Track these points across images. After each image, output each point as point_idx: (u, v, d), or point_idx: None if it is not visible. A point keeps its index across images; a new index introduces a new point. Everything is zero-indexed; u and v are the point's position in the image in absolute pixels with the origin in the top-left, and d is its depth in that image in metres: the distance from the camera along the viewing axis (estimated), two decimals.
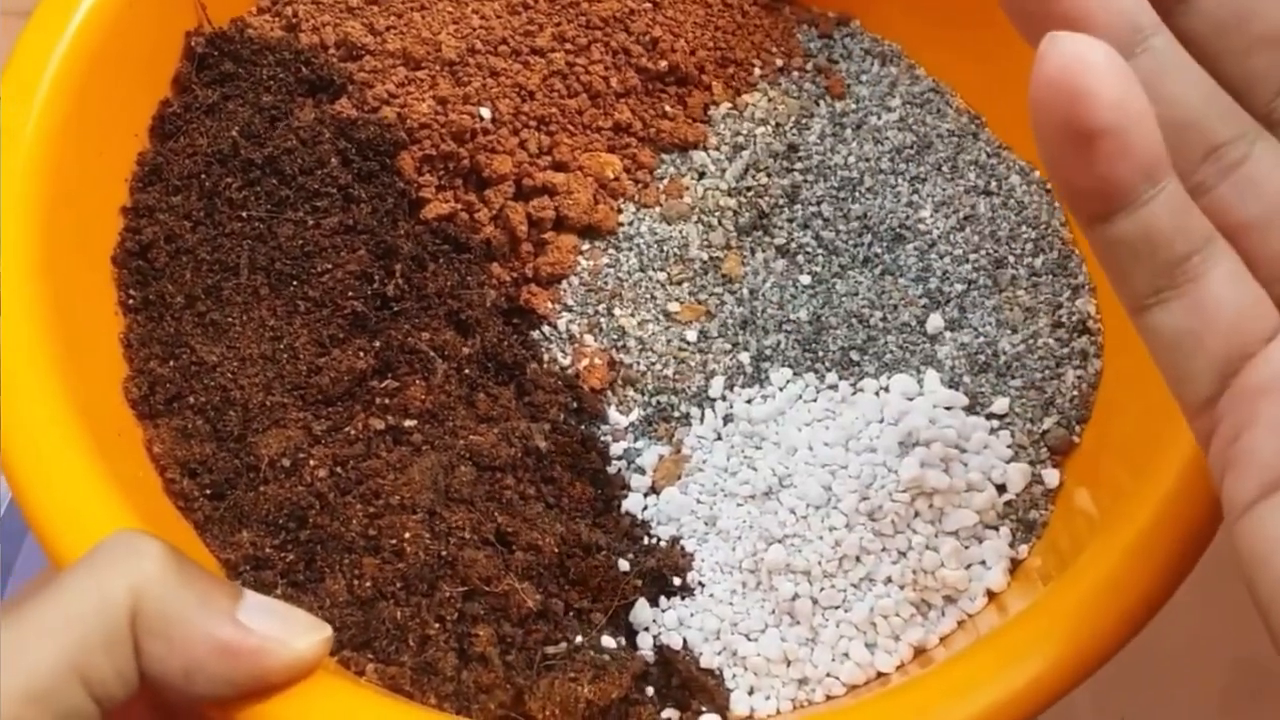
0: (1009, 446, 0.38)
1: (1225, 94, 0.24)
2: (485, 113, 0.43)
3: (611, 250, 0.43)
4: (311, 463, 0.35)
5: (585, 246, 0.43)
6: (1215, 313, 0.23)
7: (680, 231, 0.43)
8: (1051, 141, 0.22)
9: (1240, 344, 0.23)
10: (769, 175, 0.44)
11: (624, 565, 0.37)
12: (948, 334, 0.41)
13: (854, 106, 0.47)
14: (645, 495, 0.39)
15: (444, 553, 0.33)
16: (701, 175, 0.45)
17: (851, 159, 0.45)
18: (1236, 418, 0.23)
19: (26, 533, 0.48)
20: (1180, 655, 0.50)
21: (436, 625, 0.33)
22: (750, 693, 0.35)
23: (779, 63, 0.48)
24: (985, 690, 0.30)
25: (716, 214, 0.44)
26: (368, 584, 0.33)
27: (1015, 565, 0.36)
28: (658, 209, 0.44)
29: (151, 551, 0.27)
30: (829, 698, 0.35)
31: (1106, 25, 0.23)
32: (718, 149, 0.45)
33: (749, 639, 0.36)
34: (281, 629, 0.28)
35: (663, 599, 0.37)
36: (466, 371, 0.38)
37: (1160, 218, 0.23)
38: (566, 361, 0.41)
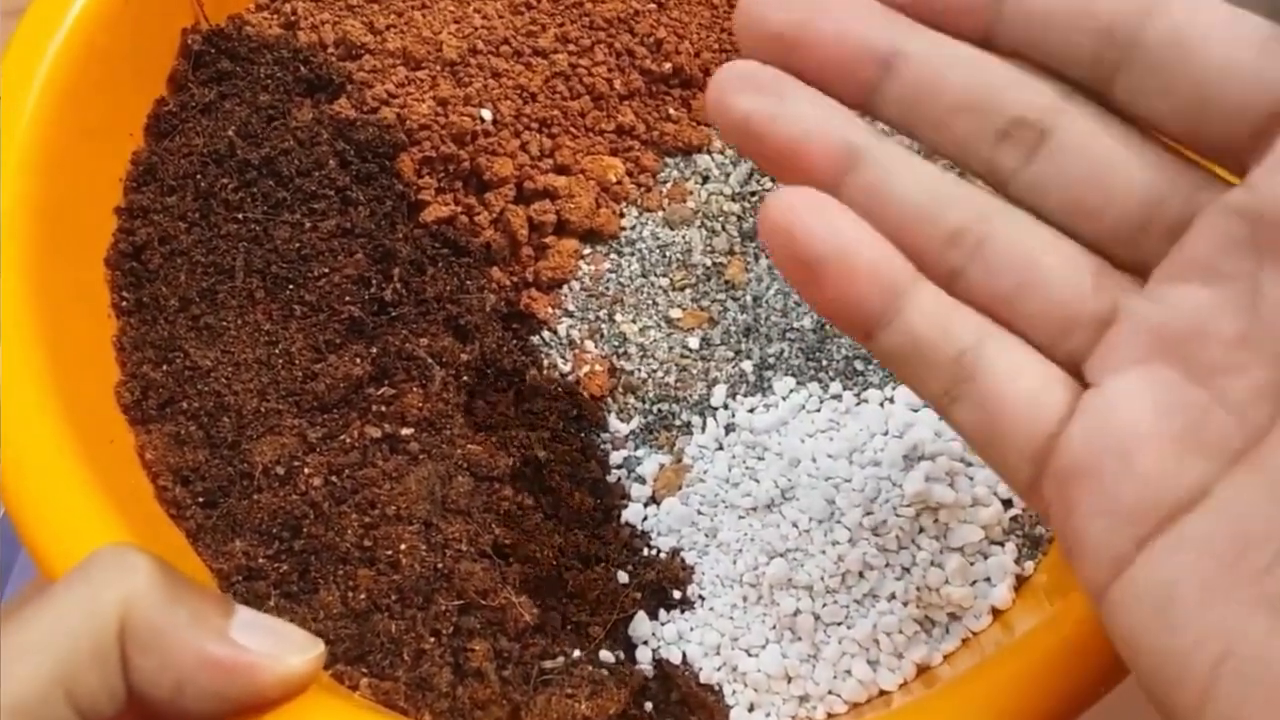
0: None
1: (951, 177, 0.24)
2: (486, 114, 0.42)
3: (613, 255, 0.43)
4: (306, 471, 0.35)
5: (587, 251, 0.43)
6: (1001, 404, 0.23)
7: (683, 236, 0.43)
8: (793, 278, 0.24)
9: (1038, 428, 0.23)
10: (773, 180, 0.44)
11: (623, 577, 0.36)
12: None
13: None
14: (645, 505, 0.38)
15: (440, 565, 0.33)
16: (705, 179, 0.44)
17: None
18: (1059, 505, 0.23)
19: None
20: None
21: (432, 639, 0.32)
22: (750, 709, 0.35)
23: None
24: (992, 713, 0.29)
25: (720, 219, 0.43)
26: (362, 596, 0.33)
27: (1021, 582, 0.36)
28: (660, 213, 0.44)
29: (141, 566, 0.26)
30: (830, 716, 0.34)
31: (821, 151, 0.24)
32: (722, 153, 0.45)
33: (749, 654, 0.35)
34: (274, 645, 0.27)
35: (662, 612, 0.36)
36: (465, 378, 0.38)
37: (918, 325, 0.24)
38: (567, 368, 0.41)
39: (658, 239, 0.43)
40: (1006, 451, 0.23)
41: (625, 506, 0.38)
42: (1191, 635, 0.20)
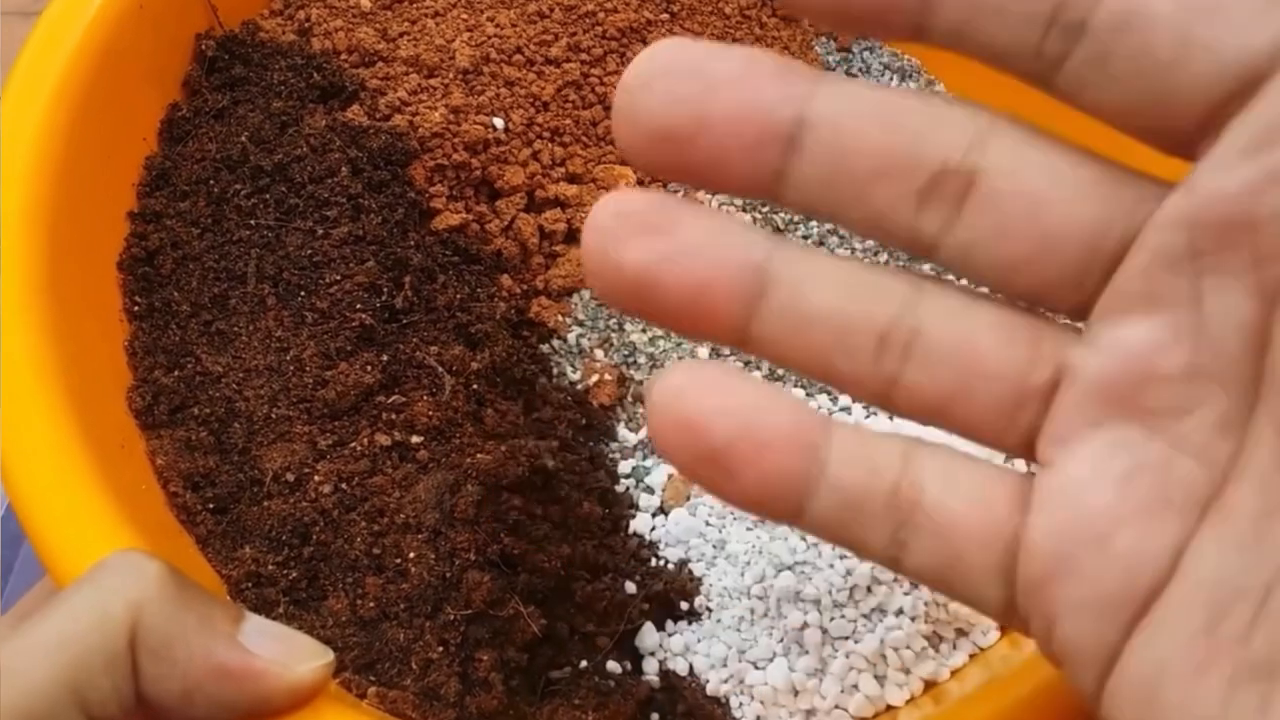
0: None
1: (864, 266, 0.22)
2: (498, 123, 0.42)
3: None
4: (316, 478, 0.35)
5: None
6: (952, 527, 0.21)
7: None
8: (699, 476, 0.21)
9: (995, 537, 0.21)
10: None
11: (631, 588, 0.36)
12: None
13: None
14: (653, 516, 0.38)
15: (448, 574, 0.33)
16: None
17: None
18: (1038, 614, 0.20)
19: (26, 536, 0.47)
20: None
21: (440, 649, 0.32)
22: None
23: None
24: None
25: None
26: (371, 604, 0.33)
27: None
28: None
29: (152, 571, 0.26)
30: None
31: (727, 290, 0.21)
32: None
33: (756, 667, 0.35)
34: (283, 653, 0.27)
35: (669, 623, 0.36)
36: (475, 386, 0.38)
37: (845, 475, 0.21)
38: (576, 376, 0.41)
39: None
40: (971, 578, 0.21)
41: (633, 517, 0.38)
42: None
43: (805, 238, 0.43)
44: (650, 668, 0.35)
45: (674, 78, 0.20)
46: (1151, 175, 0.21)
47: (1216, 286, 0.19)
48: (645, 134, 0.20)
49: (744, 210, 0.43)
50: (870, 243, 0.43)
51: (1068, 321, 0.21)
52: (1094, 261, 0.20)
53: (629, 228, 0.20)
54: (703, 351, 0.41)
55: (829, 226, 0.43)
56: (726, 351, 0.41)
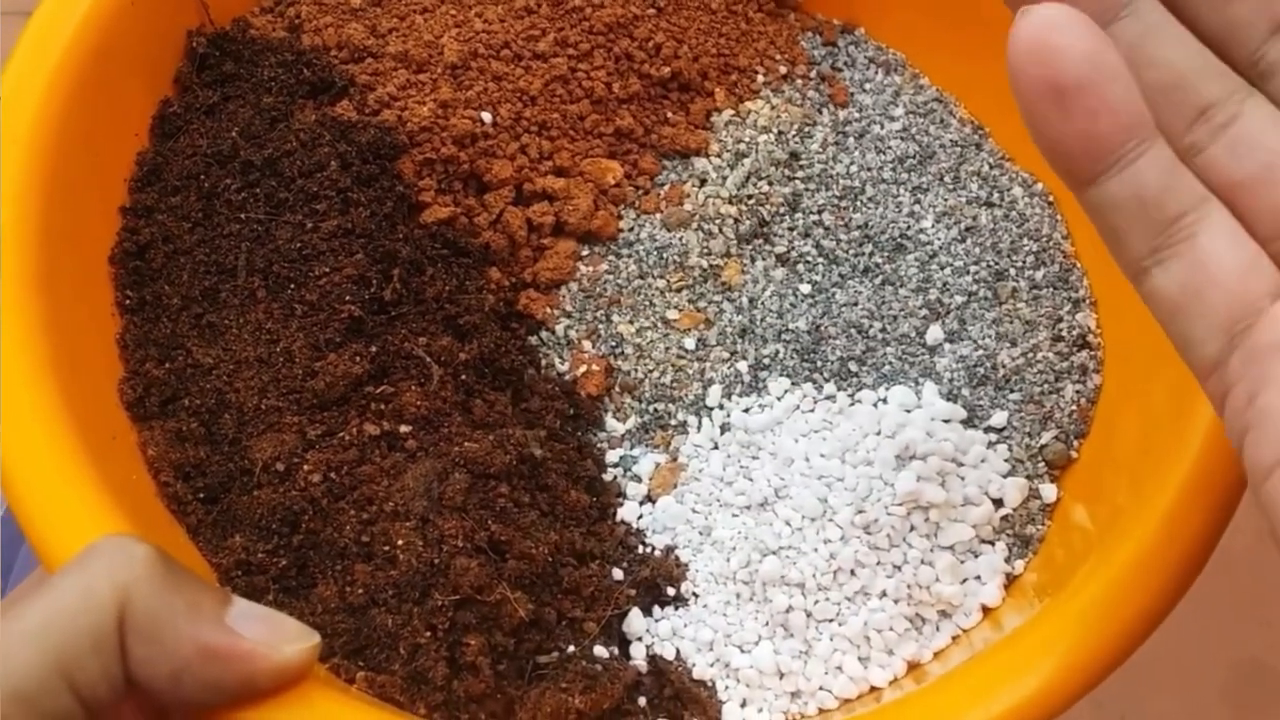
0: (1006, 460, 0.38)
1: (1212, 54, 0.24)
2: (486, 117, 0.43)
3: (611, 256, 0.43)
4: (305, 468, 0.35)
5: (585, 252, 0.43)
6: (1215, 270, 0.23)
7: (680, 239, 0.43)
8: (1032, 103, 0.23)
9: (1244, 301, 0.23)
10: (770, 183, 0.44)
11: (618, 574, 0.36)
12: (947, 346, 0.41)
13: (857, 115, 0.47)
14: (641, 503, 0.39)
15: (436, 560, 0.33)
16: (703, 182, 0.45)
17: (854, 168, 0.45)
18: (1250, 379, 0.22)
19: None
20: (1180, 656, 0.50)
21: (428, 634, 0.32)
22: (743, 705, 0.35)
23: (782, 70, 0.48)
24: (981, 707, 0.30)
25: (717, 221, 0.44)
26: (359, 591, 0.33)
27: (1011, 580, 0.36)
28: (658, 215, 0.44)
29: (141, 555, 0.26)
30: (821, 711, 0.35)
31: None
32: (719, 156, 0.45)
33: (742, 651, 0.35)
34: (270, 635, 0.27)
35: (656, 609, 0.36)
36: (463, 377, 0.38)
37: (1148, 176, 0.23)
38: (564, 367, 0.41)
39: (655, 241, 0.43)
40: (1200, 321, 0.23)
41: (621, 504, 0.39)
42: None
43: (791, 229, 0.43)
44: (637, 652, 0.36)
45: None
46: None
47: None
48: None
49: (730, 204, 0.44)
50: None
51: None
52: None
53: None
54: (689, 343, 0.41)
55: (815, 219, 0.44)
56: (715, 341, 0.41)
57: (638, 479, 0.39)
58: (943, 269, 0.43)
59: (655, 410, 0.41)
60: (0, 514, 0.49)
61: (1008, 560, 0.36)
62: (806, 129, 0.46)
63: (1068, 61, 0.22)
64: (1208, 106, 0.24)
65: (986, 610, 0.36)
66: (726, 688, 0.35)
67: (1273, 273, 0.23)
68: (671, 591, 0.37)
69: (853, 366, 0.40)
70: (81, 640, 0.25)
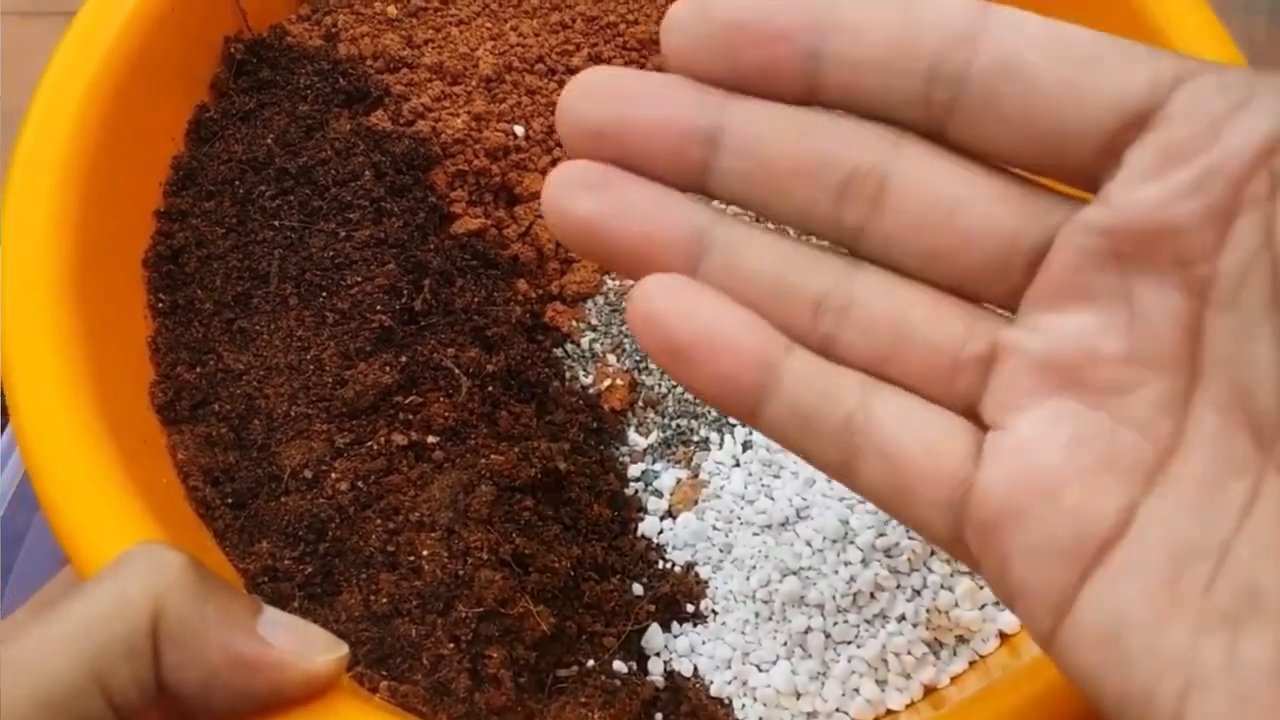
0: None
1: (802, 245, 0.24)
2: (519, 130, 0.43)
3: None
4: (333, 475, 0.35)
5: None
6: (902, 455, 0.23)
7: None
8: (664, 365, 0.24)
9: (946, 476, 0.22)
10: None
11: (638, 590, 0.37)
12: None
13: None
14: (662, 519, 0.39)
15: (461, 572, 0.34)
16: None
17: None
18: (990, 555, 0.22)
19: (26, 535, 0.48)
20: None
21: (451, 645, 0.33)
22: None
23: None
24: None
25: None
26: (384, 600, 0.33)
27: None
28: None
29: (174, 563, 0.27)
30: None
31: (668, 242, 0.23)
32: None
33: (760, 670, 0.36)
34: (299, 645, 0.28)
35: (675, 625, 0.37)
36: (490, 388, 0.38)
37: (799, 394, 0.23)
38: (588, 381, 0.42)
39: None
40: (917, 505, 0.23)
41: (642, 520, 0.39)
42: (1150, 669, 0.20)
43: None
44: (656, 668, 0.36)
45: (601, 89, 0.24)
46: (1053, 188, 0.23)
47: (1145, 283, 0.21)
48: (585, 134, 0.24)
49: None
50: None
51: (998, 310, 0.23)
52: (1014, 256, 0.22)
53: (578, 186, 0.24)
54: None
55: None
56: None
57: (659, 494, 0.39)
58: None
59: (678, 426, 0.41)
60: (0, 514, 0.49)
61: None
62: None
63: (673, 324, 0.23)
64: (820, 299, 0.23)
65: (1004, 637, 0.36)
66: (743, 706, 0.35)
67: (961, 430, 0.23)
68: (691, 608, 0.37)
69: None
70: (116, 646, 0.25)
